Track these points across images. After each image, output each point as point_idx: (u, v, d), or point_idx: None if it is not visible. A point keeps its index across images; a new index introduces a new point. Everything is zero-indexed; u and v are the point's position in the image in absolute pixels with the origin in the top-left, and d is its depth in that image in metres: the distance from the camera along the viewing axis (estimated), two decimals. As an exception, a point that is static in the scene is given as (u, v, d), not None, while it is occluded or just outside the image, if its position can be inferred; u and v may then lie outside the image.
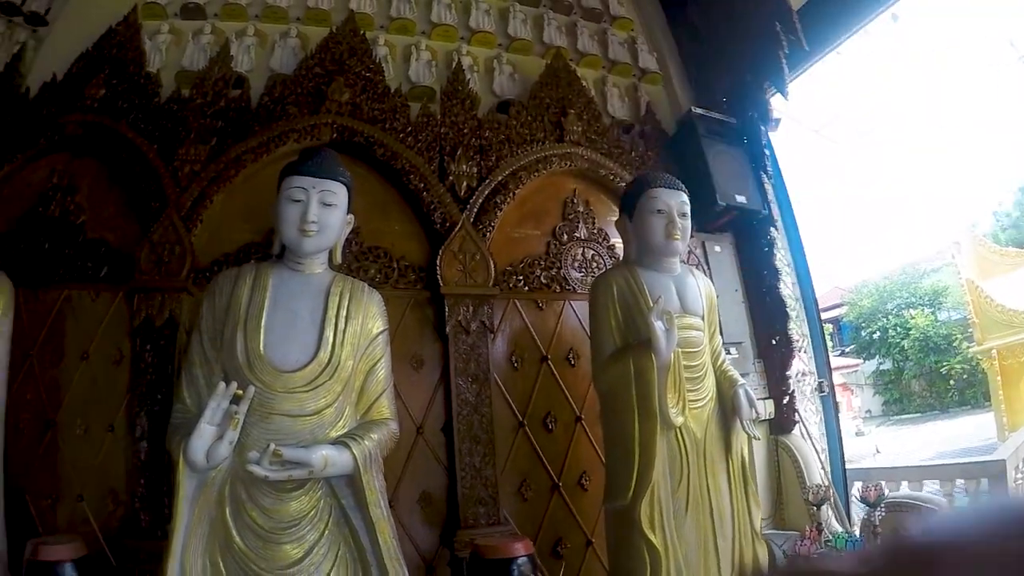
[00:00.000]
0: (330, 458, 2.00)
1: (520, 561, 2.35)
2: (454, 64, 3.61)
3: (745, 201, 3.65)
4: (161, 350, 2.80)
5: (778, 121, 3.89)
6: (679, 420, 2.55)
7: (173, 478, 1.95)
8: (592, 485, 3.17)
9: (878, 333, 22.02)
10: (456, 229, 3.14)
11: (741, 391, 2.69)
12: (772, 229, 3.79)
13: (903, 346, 20.93)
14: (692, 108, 3.76)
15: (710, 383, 2.73)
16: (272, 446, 1.93)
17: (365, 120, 3.25)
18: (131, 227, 2.99)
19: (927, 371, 20.69)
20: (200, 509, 2.00)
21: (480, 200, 3.28)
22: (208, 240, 2.97)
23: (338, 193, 2.28)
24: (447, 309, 3.04)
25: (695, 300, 2.83)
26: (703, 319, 2.81)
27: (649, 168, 3.63)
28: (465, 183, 3.28)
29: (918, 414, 20.37)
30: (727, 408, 2.71)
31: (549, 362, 3.27)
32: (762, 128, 3.80)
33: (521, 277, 3.32)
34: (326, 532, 2.08)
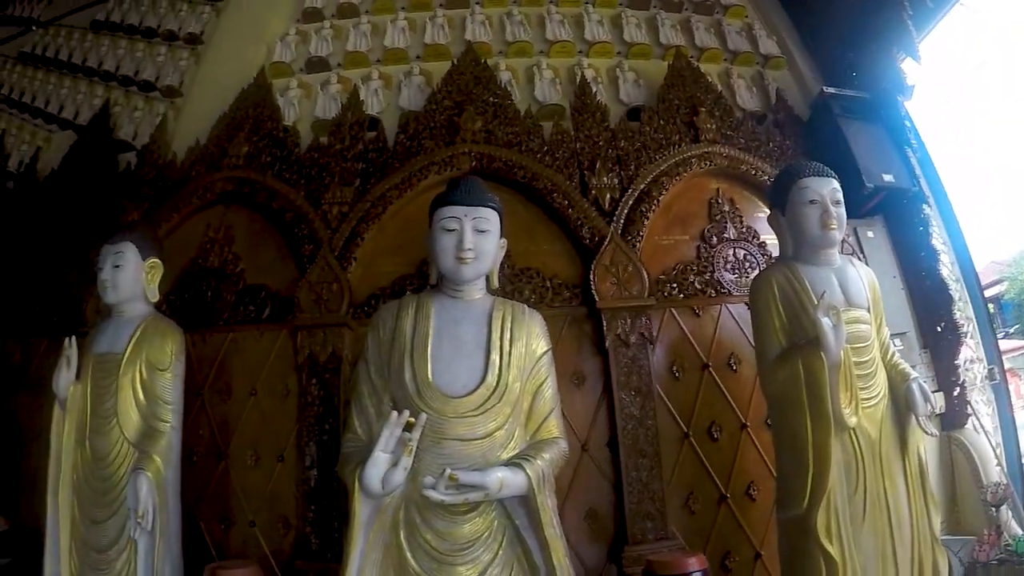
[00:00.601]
0: (505, 480, 1.95)
1: None
2: (578, 79, 3.56)
3: (893, 180, 3.32)
4: (326, 383, 2.92)
5: (912, 88, 3.54)
6: (853, 421, 2.32)
7: (348, 505, 1.96)
8: (760, 495, 2.97)
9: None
10: (606, 243, 3.07)
11: (915, 385, 2.46)
12: (924, 206, 3.44)
13: None
14: (823, 88, 3.50)
15: (881, 379, 2.48)
16: (448, 471, 1.89)
17: (501, 145, 3.27)
18: (287, 270, 3.17)
19: None
20: (374, 534, 2.00)
21: (625, 211, 3.19)
22: (362, 276, 3.08)
23: (490, 219, 2.25)
24: (605, 323, 2.97)
25: (859, 292, 2.59)
26: (869, 311, 2.57)
27: (788, 158, 3.43)
28: (608, 195, 3.21)
29: None
30: (900, 405, 2.47)
31: (711, 369, 3.12)
32: (898, 99, 3.47)
33: (675, 284, 3.19)
34: (499, 553, 2.03)
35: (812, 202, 2.55)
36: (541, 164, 3.23)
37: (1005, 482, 3.04)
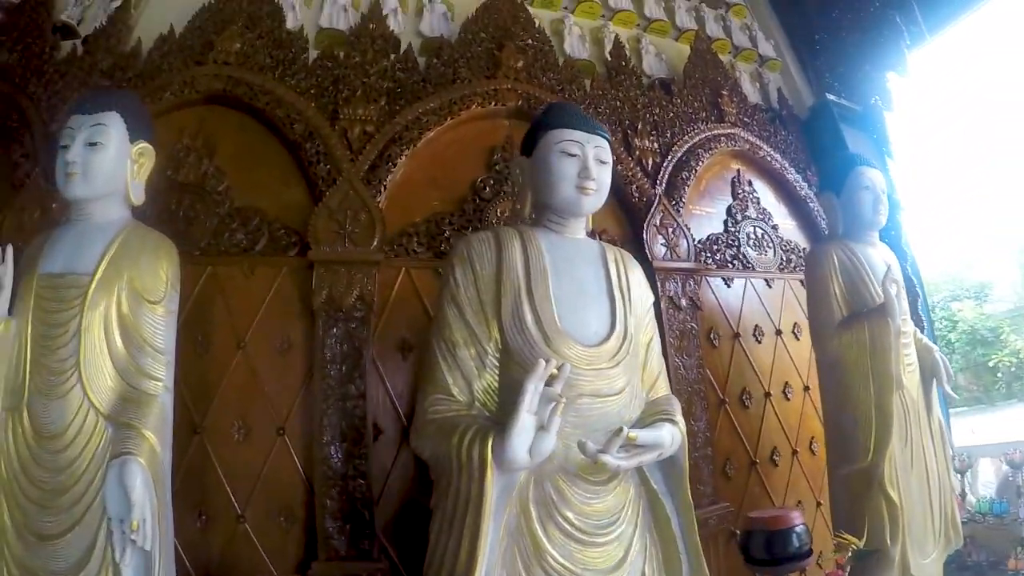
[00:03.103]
0: (674, 435, 1.62)
1: (799, 529, 2.18)
2: (608, 40, 3.25)
3: (882, 186, 3.40)
4: (350, 334, 2.22)
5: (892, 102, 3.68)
6: (904, 382, 2.41)
7: (469, 485, 1.41)
8: (782, 460, 2.97)
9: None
10: (655, 204, 2.78)
11: (939, 355, 2.62)
12: (898, 213, 3.54)
13: (949, 339, 19.37)
14: (827, 95, 3.50)
15: (913, 348, 2.58)
16: (625, 430, 1.46)
17: (545, 88, 2.81)
18: (292, 193, 2.44)
19: (973, 364, 19.37)
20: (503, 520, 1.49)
21: (666, 176, 2.92)
22: (389, 207, 2.41)
23: (608, 150, 1.82)
24: (659, 284, 2.65)
25: (897, 271, 2.65)
26: (904, 288, 2.63)
27: (793, 152, 3.48)
28: (651, 159, 2.93)
29: (964, 407, 19.99)
30: (927, 373, 2.59)
31: (740, 339, 2.97)
32: (884, 113, 3.57)
33: (708, 255, 2.99)
34: (639, 523, 1.64)
35: (867, 188, 2.58)
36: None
37: (965, 455, 3.20)
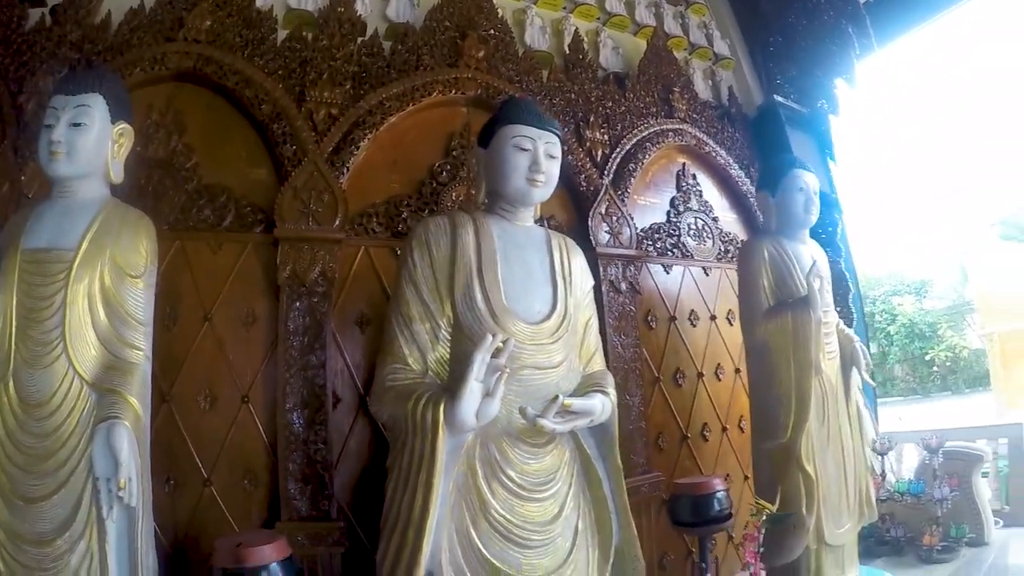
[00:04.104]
0: (605, 406, 1.88)
1: (720, 495, 2.44)
2: (569, 33, 3.48)
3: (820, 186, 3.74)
4: (313, 308, 2.43)
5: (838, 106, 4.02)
6: (823, 367, 2.69)
7: (423, 445, 1.64)
8: (712, 435, 3.35)
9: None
10: (601, 194, 3.06)
11: (858, 346, 2.91)
12: (835, 212, 3.90)
13: (888, 331, 21.04)
14: (775, 96, 3.82)
15: (835, 338, 2.90)
16: (561, 398, 1.74)
17: (503, 78, 3.03)
18: (258, 171, 2.62)
19: (911, 357, 20.92)
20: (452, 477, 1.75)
21: (614, 167, 3.20)
22: (351, 188, 2.62)
23: (557, 145, 2.07)
24: (600, 268, 2.94)
25: (824, 267, 2.99)
26: (828, 282, 2.96)
27: (739, 148, 3.79)
28: (600, 150, 3.20)
29: (900, 397, 20.46)
30: (847, 361, 2.89)
31: (676, 323, 3.30)
32: (829, 116, 3.91)
33: (650, 242, 3.30)
34: (572, 484, 1.91)
35: (801, 190, 2.92)
36: (542, 106, 2.99)
37: (886, 438, 3.61)
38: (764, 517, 2.38)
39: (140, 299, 1.86)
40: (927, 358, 20.91)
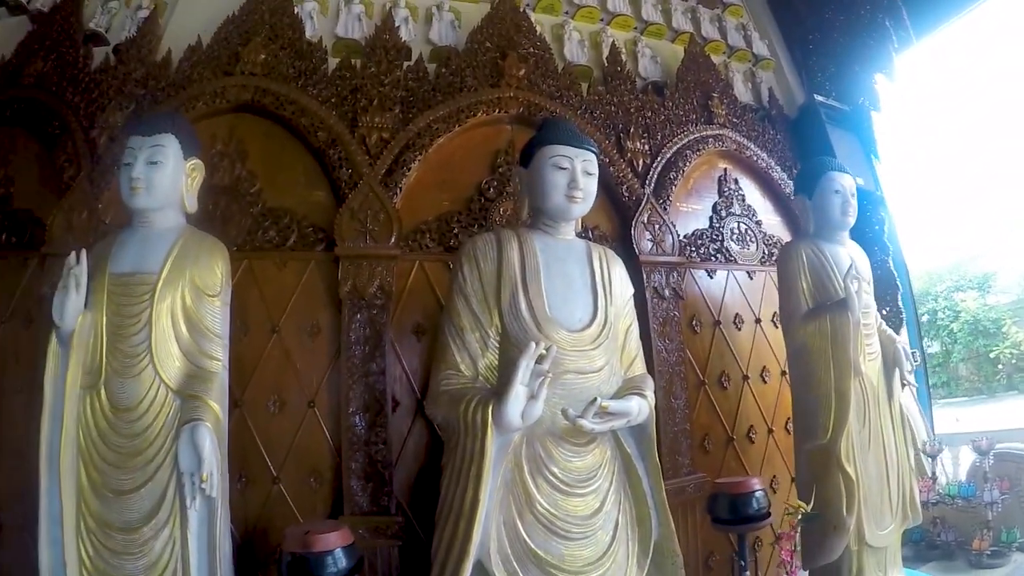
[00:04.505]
0: (641, 408, 2.03)
1: (758, 494, 2.54)
2: (604, 46, 3.62)
3: (863, 183, 3.78)
4: (372, 320, 2.67)
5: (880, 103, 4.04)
6: (863, 369, 2.75)
7: (473, 444, 1.84)
8: (758, 437, 3.45)
9: (927, 316, 21.80)
10: (643, 203, 3.21)
11: (900, 347, 2.95)
12: (881, 209, 3.93)
13: (952, 329, 20.80)
14: (815, 96, 3.88)
15: (876, 340, 2.94)
16: (599, 400, 1.90)
17: (544, 96, 3.21)
18: (317, 194, 2.87)
19: (975, 355, 20.40)
20: (500, 473, 1.93)
21: (655, 176, 3.34)
22: (404, 208, 2.85)
23: (595, 163, 2.24)
24: (644, 275, 3.08)
25: (864, 268, 3.05)
26: (870, 284, 3.02)
27: (780, 150, 3.85)
28: (641, 160, 3.34)
29: (965, 397, 20.21)
30: (888, 362, 2.94)
31: (721, 327, 3.42)
32: (871, 113, 3.94)
33: (693, 248, 3.43)
34: (613, 481, 2.07)
35: (837, 192, 2.96)
36: (583, 120, 3.24)
37: (935, 438, 3.61)
38: (800, 517, 2.48)
39: (217, 315, 2.13)
40: (992, 356, 20.01)
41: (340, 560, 1.92)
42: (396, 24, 3.21)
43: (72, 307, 1.91)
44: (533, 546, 1.90)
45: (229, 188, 2.78)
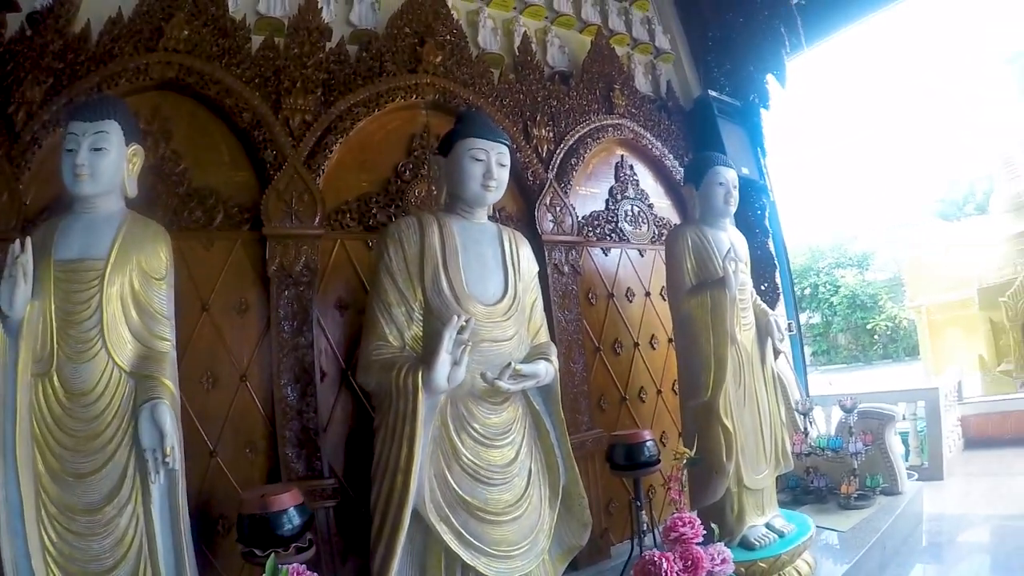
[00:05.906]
0: (547, 369, 2.47)
1: (649, 443, 3.12)
2: (519, 34, 3.99)
3: (748, 173, 4.42)
4: (299, 296, 2.95)
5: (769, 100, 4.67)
6: (738, 338, 3.32)
7: (406, 405, 2.18)
8: (648, 396, 4.09)
9: (809, 289, 23.95)
10: (546, 187, 3.65)
11: (772, 319, 3.52)
12: (764, 196, 4.58)
13: (832, 302, 22.96)
14: (708, 91, 4.44)
15: (751, 312, 3.53)
16: (513, 364, 2.33)
17: (458, 83, 3.54)
18: (242, 175, 3.06)
19: (853, 326, 22.91)
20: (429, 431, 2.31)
21: (557, 162, 3.79)
22: (326, 188, 3.12)
23: (507, 155, 2.63)
24: (546, 253, 3.55)
25: (743, 251, 3.63)
26: (747, 264, 3.62)
27: (675, 140, 4.42)
28: (546, 146, 3.77)
29: (844, 364, 22.42)
30: (762, 332, 3.51)
31: (614, 299, 3.97)
32: (760, 109, 4.56)
33: (590, 228, 3.93)
34: (525, 434, 2.50)
35: (721, 184, 3.48)
36: (493, 107, 3.62)
37: (808, 398, 4.34)
38: (684, 461, 3.03)
39: (164, 298, 2.29)
40: (868, 327, 22.91)
41: (294, 517, 2.22)
42: (319, 5, 3.40)
43: (21, 296, 2.02)
44: (461, 492, 2.27)
45: (155, 168, 2.87)
